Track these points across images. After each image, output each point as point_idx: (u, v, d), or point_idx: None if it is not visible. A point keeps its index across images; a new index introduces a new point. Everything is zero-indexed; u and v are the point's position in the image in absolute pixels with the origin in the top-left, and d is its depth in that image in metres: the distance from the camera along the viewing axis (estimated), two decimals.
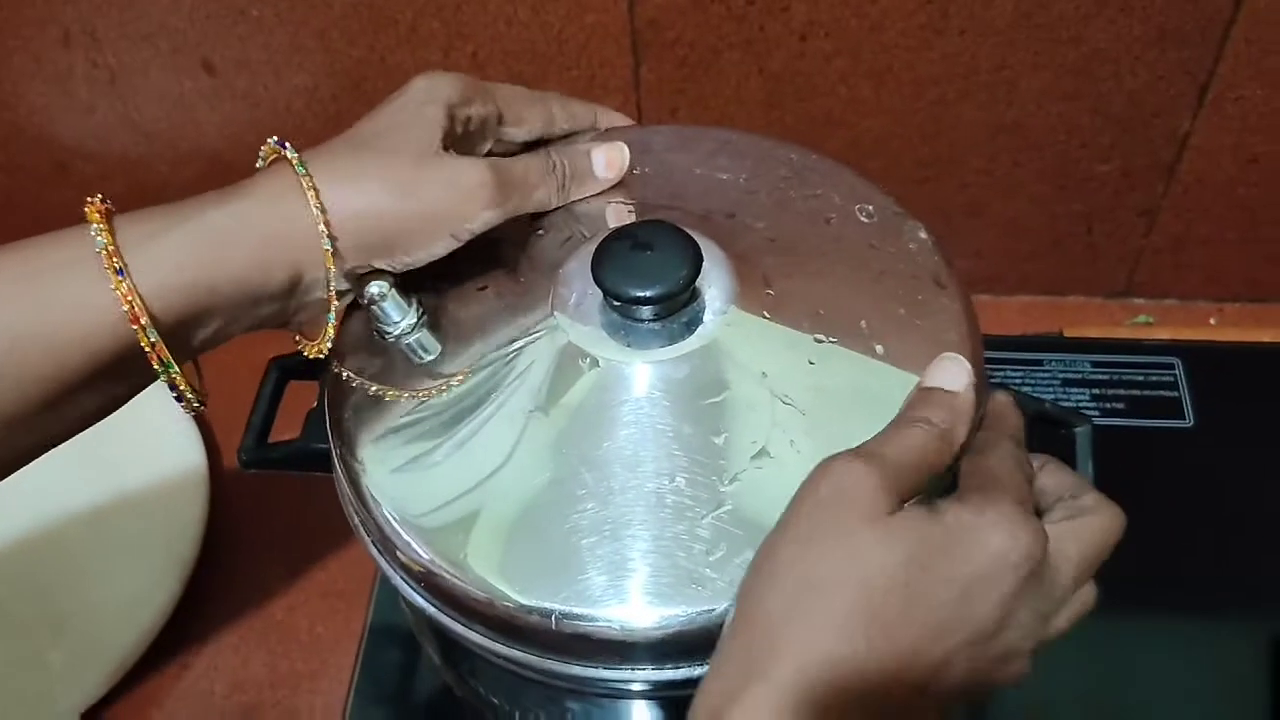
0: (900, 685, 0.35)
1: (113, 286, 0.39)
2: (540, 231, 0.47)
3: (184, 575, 0.65)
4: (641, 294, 0.41)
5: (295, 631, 0.66)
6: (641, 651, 0.40)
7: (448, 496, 0.42)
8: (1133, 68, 0.62)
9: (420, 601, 0.43)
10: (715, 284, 0.43)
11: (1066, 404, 0.63)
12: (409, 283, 0.45)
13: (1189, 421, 0.63)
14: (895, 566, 0.35)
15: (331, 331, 0.45)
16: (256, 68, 0.68)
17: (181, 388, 0.42)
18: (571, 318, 0.44)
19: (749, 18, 0.62)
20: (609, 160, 0.47)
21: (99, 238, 0.39)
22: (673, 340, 0.43)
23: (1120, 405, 0.64)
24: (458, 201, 0.43)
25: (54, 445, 0.43)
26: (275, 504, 0.71)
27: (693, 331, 0.43)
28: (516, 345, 0.44)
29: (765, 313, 0.43)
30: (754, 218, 0.46)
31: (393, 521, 0.42)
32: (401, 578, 0.43)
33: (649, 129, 0.56)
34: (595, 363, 0.43)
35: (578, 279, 0.44)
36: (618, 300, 0.42)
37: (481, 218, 0.43)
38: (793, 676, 0.34)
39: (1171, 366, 0.65)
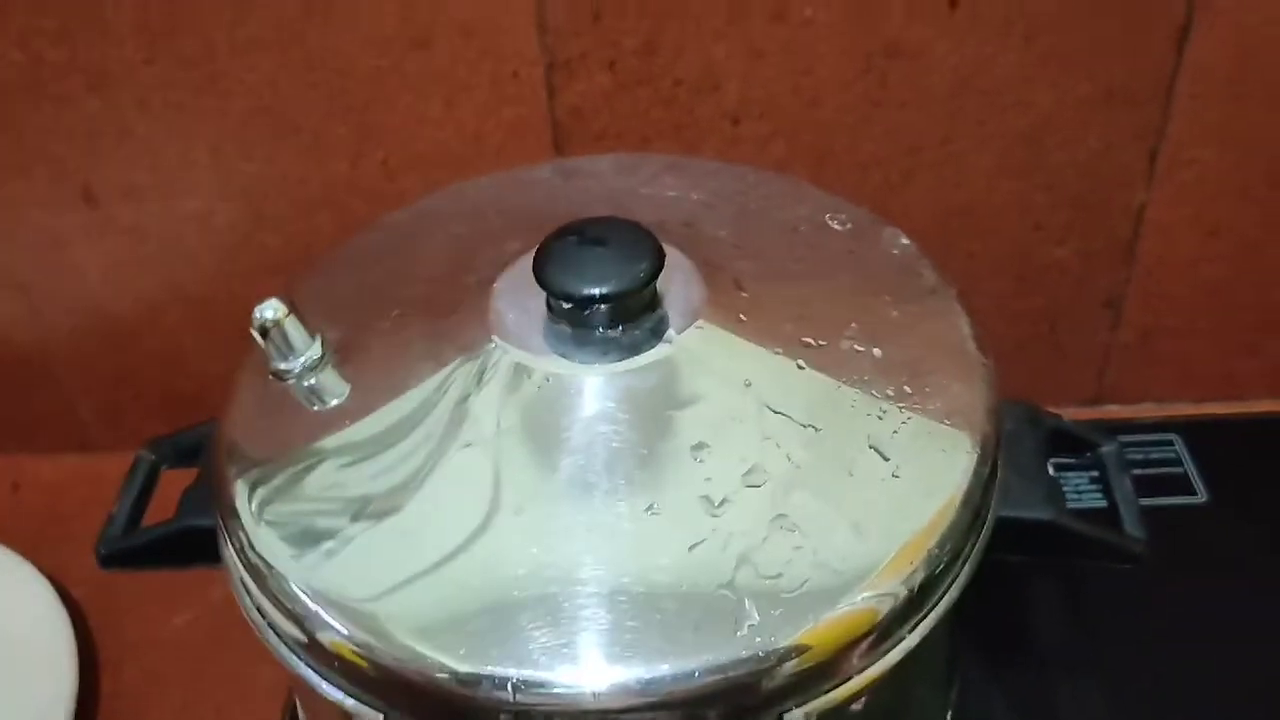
0: None
1: None
2: (464, 247, 0.40)
3: None
4: (595, 292, 0.35)
5: None
6: None
7: (370, 564, 0.34)
8: (1082, 134, 0.59)
9: (347, 701, 0.34)
10: (679, 288, 0.37)
11: (1067, 490, 0.57)
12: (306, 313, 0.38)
13: (1202, 497, 0.57)
14: None
15: None
16: (143, 193, 0.62)
17: None
18: (511, 335, 0.36)
19: (678, 100, 0.58)
20: None
21: None
22: (635, 351, 0.36)
23: None
24: None
25: None
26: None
27: (659, 339, 0.36)
28: (443, 374, 0.36)
29: (742, 315, 0.37)
30: (715, 227, 0.41)
31: (303, 597, 0.33)
32: (313, 667, 0.34)
33: (580, 159, 0.50)
34: (542, 379, 0.35)
35: (516, 292, 0.37)
36: (567, 302, 0.35)
37: None
38: None
39: (1170, 443, 0.60)
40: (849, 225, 0.41)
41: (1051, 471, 0.40)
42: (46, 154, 0.60)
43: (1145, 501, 0.56)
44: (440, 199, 0.44)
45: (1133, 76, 0.57)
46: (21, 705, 0.58)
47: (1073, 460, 0.42)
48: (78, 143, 0.60)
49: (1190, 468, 0.59)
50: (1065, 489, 0.45)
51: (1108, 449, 0.41)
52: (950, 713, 0.41)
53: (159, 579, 0.65)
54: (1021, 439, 0.40)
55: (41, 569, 0.63)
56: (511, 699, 0.30)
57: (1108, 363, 0.68)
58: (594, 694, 0.30)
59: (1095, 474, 0.42)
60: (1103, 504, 0.40)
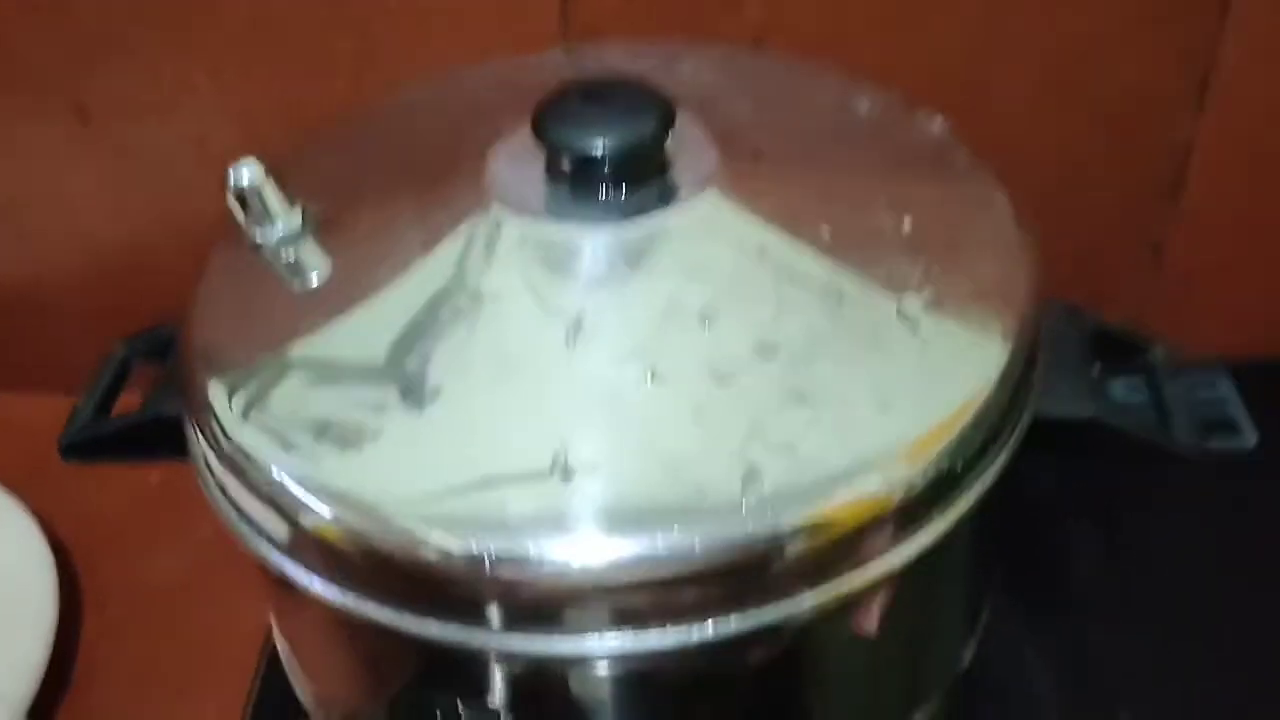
0: None
1: None
2: (459, 125, 0.37)
3: None
4: (599, 145, 0.32)
5: None
6: (607, 602, 0.28)
7: (354, 444, 0.31)
8: (1124, 58, 0.56)
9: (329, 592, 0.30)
10: (690, 154, 0.34)
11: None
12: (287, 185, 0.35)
13: (1250, 439, 0.53)
14: None
15: None
16: (137, 112, 0.59)
17: None
18: (509, 200, 0.33)
19: (698, 18, 0.55)
20: None
21: None
22: (641, 214, 0.32)
23: None
24: None
25: None
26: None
27: (667, 204, 0.33)
28: (435, 241, 0.33)
29: (759, 184, 0.34)
30: (734, 103, 0.37)
31: (282, 481, 0.30)
32: (291, 557, 0.31)
33: (589, 46, 0.47)
34: (541, 243, 0.32)
35: (515, 157, 0.34)
36: (568, 159, 0.32)
37: None
38: None
39: (1216, 384, 0.56)
40: (880, 108, 0.38)
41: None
42: (37, 66, 0.58)
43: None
44: (436, 82, 0.41)
45: None
46: (2, 638, 0.55)
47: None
48: (71, 55, 0.57)
49: (1238, 410, 0.55)
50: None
51: (1158, 353, 0.37)
52: (973, 645, 0.37)
53: (145, 520, 0.63)
54: (1064, 336, 0.36)
55: (29, 507, 0.60)
56: (489, 574, 0.27)
57: (1148, 310, 0.65)
58: (583, 568, 0.27)
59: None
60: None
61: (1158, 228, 0.62)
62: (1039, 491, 0.51)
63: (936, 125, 0.38)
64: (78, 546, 0.61)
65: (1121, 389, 0.38)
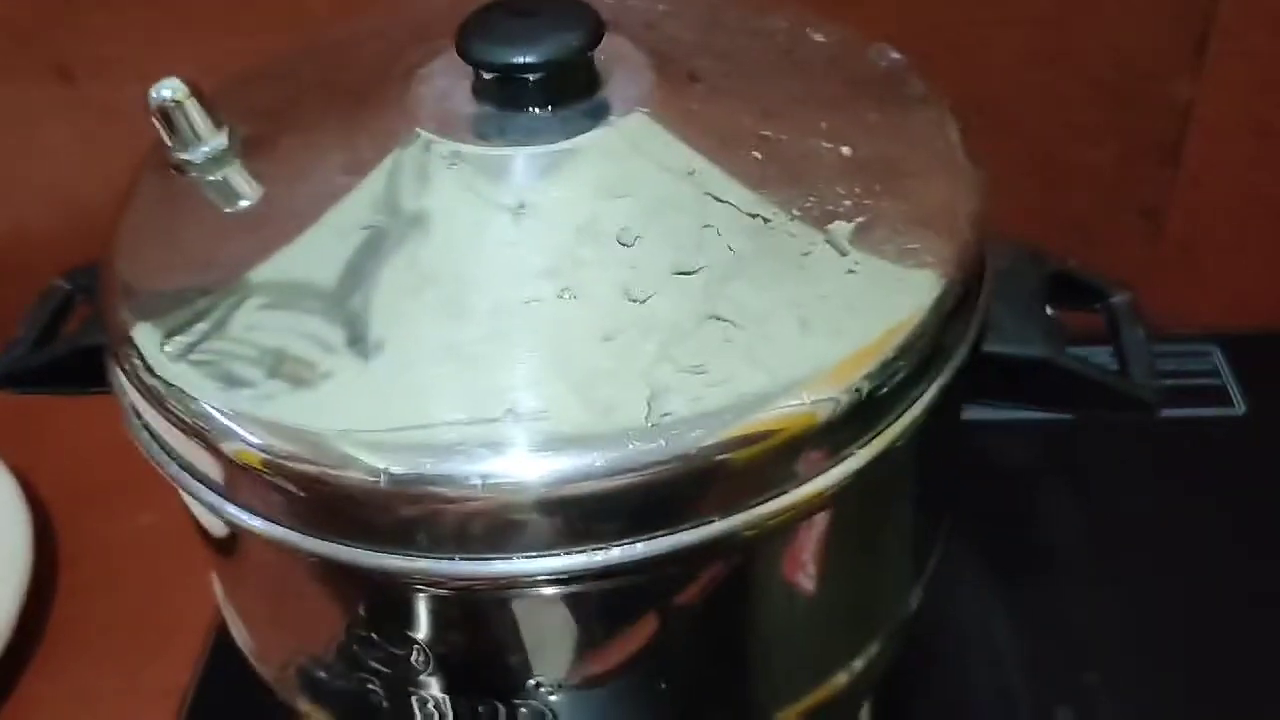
0: None
1: None
2: (394, 51, 0.36)
3: None
4: (522, 60, 0.31)
5: None
6: (526, 522, 0.27)
7: (255, 353, 0.30)
8: (1119, 15, 0.54)
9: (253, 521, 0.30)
10: (624, 75, 0.33)
11: None
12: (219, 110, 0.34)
13: (1240, 409, 0.51)
14: None
15: None
16: (119, 70, 0.59)
17: None
18: (433, 120, 0.32)
19: None
20: None
21: None
22: (566, 134, 0.31)
23: None
24: None
25: None
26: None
27: (595, 124, 0.32)
28: (359, 162, 0.32)
29: (693, 106, 0.32)
30: (679, 30, 0.36)
31: (208, 410, 0.29)
32: (204, 483, 0.30)
33: None
34: (460, 159, 0.31)
35: (441, 78, 0.33)
36: (491, 72, 0.31)
37: None
38: None
39: (1209, 354, 0.54)
40: (833, 38, 0.37)
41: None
42: (16, 24, 0.58)
43: (1181, 412, 0.52)
44: (377, 16, 0.40)
45: None
46: None
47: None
48: (52, 17, 0.57)
49: (1229, 379, 0.53)
50: None
51: (1119, 299, 0.36)
52: (919, 591, 0.35)
53: (124, 479, 0.62)
54: (1020, 276, 0.35)
55: (10, 465, 0.60)
56: (385, 489, 0.26)
57: (1145, 280, 0.62)
58: (482, 483, 0.26)
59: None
60: None
61: (1156, 194, 0.60)
62: (1011, 457, 0.49)
63: (891, 55, 0.36)
64: (58, 505, 0.61)
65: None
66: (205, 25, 0.57)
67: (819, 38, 0.37)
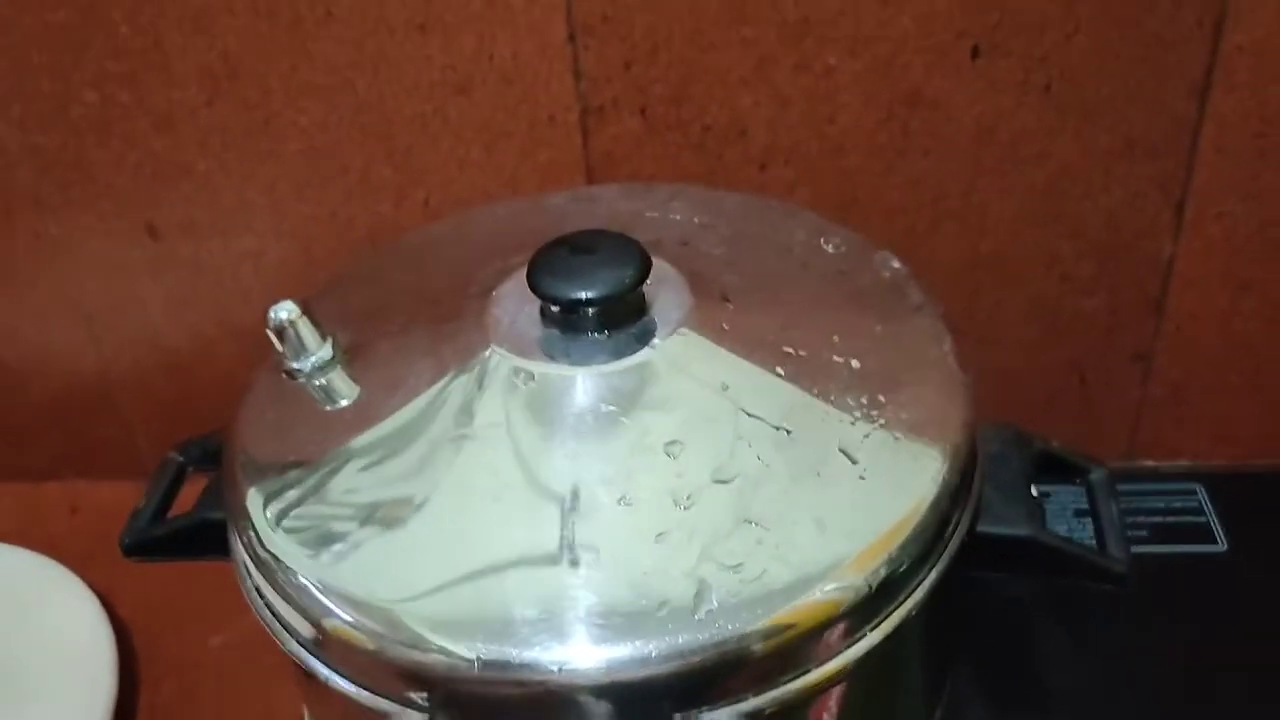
0: None
1: None
2: (470, 263, 0.42)
3: None
4: (582, 295, 0.36)
5: None
6: (586, 703, 0.32)
7: (371, 557, 0.35)
8: (1105, 185, 0.60)
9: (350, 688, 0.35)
10: (667, 297, 0.39)
11: (1081, 536, 0.56)
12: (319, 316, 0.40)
13: (1222, 546, 0.56)
14: None
15: None
16: (201, 229, 0.66)
17: None
18: (507, 340, 0.38)
19: (706, 145, 0.60)
20: None
21: None
22: (620, 355, 0.37)
23: (1143, 533, 0.57)
24: None
25: None
26: None
27: (644, 345, 0.37)
28: (444, 375, 0.38)
29: (725, 325, 0.38)
30: (710, 245, 0.42)
31: (310, 589, 0.35)
32: (318, 657, 0.36)
33: (593, 188, 0.52)
34: (530, 377, 0.37)
35: (513, 300, 0.39)
36: (556, 305, 0.37)
37: None
38: None
39: (1193, 492, 0.59)
40: (842, 248, 0.42)
41: (1035, 493, 0.40)
42: (113, 189, 0.64)
43: (1165, 549, 0.57)
44: (452, 223, 0.46)
45: (1153, 129, 0.58)
46: (63, 713, 0.60)
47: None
48: (142, 180, 0.64)
49: (1212, 517, 0.58)
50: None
51: (1096, 475, 0.41)
52: None
53: (200, 602, 0.67)
54: (1007, 459, 0.40)
55: (93, 588, 0.65)
56: (476, 673, 0.32)
57: (1140, 418, 0.68)
58: (559, 669, 0.31)
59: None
60: None
61: (1145, 340, 0.65)
62: (1010, 594, 0.54)
63: (893, 265, 0.42)
64: (138, 626, 0.66)
65: None
66: (280, 191, 0.64)
67: (830, 248, 0.42)
